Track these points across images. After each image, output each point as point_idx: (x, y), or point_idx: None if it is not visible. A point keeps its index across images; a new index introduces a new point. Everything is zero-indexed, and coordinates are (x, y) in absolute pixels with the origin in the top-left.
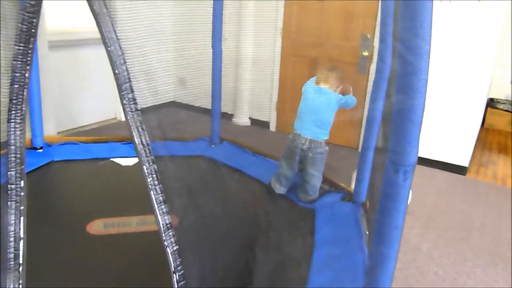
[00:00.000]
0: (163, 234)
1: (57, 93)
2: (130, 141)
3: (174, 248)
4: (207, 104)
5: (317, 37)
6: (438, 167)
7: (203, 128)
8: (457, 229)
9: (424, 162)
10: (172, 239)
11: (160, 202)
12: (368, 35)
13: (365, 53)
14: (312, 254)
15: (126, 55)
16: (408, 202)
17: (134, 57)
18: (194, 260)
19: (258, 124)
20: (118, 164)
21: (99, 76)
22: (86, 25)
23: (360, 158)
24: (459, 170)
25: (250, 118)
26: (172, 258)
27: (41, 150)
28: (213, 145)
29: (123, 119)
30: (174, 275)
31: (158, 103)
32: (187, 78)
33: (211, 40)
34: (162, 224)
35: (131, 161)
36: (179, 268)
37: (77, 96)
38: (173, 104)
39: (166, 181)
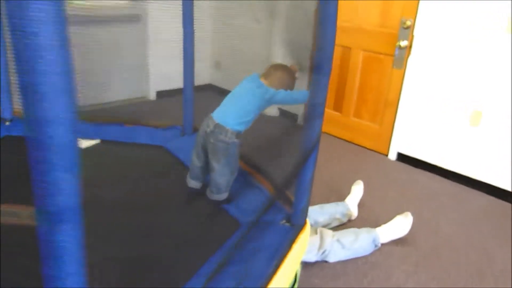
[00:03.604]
0: None
1: (79, 68)
2: (102, 122)
3: None
4: None
5: (351, 22)
6: (479, 189)
7: None
8: (465, 272)
9: (461, 180)
10: None
11: None
12: (409, 22)
13: (403, 43)
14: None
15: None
16: (405, 233)
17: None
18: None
19: (287, 115)
20: None
21: (130, 55)
22: (114, 2)
23: None
24: (504, 195)
25: (279, 108)
26: None
27: (8, 123)
28: (184, 135)
29: (152, 98)
30: None
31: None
32: (223, 62)
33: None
34: None
35: (84, 144)
36: None
37: (105, 73)
38: (209, 87)
39: None
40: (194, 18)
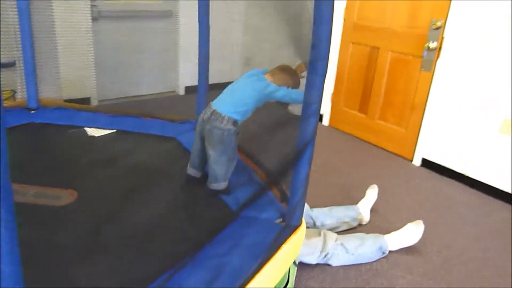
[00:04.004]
0: None
1: (112, 61)
2: (117, 114)
3: None
4: None
5: (380, 22)
6: (506, 201)
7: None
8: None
9: (487, 190)
10: None
11: None
12: (439, 22)
13: (432, 45)
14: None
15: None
16: (415, 242)
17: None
18: None
19: None
20: (86, 133)
21: (161, 50)
22: None
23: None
24: None
25: None
26: None
27: (33, 112)
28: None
29: (181, 93)
30: None
31: (225, 81)
32: (253, 58)
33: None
34: None
35: (98, 132)
36: None
37: (136, 66)
38: None
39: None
40: (226, 17)
